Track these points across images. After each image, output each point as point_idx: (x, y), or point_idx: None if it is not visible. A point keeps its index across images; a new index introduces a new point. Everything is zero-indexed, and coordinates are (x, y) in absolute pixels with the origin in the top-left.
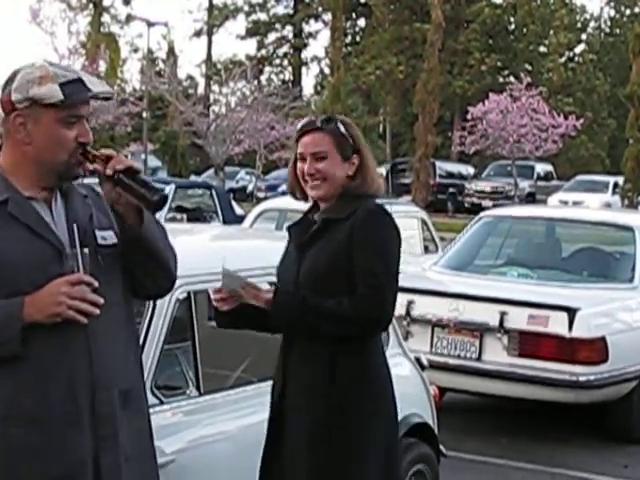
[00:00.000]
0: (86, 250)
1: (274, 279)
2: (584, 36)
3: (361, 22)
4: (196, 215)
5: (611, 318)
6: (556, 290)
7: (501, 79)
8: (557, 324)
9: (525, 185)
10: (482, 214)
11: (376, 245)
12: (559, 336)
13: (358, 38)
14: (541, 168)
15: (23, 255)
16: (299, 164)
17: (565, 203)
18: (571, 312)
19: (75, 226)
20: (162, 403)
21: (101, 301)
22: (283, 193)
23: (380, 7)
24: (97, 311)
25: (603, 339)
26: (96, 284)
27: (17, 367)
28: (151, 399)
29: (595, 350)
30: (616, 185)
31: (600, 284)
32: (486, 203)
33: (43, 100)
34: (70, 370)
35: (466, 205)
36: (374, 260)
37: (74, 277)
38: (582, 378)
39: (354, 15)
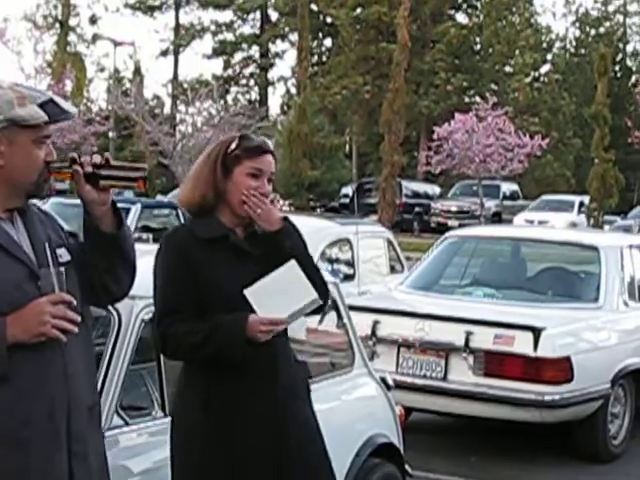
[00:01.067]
0: (62, 269)
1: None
2: (550, 56)
3: (327, 42)
4: (162, 235)
5: (576, 338)
6: (521, 310)
7: (467, 99)
8: (522, 344)
9: (491, 205)
10: (447, 234)
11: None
12: (524, 356)
13: (324, 58)
14: (507, 187)
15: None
16: (248, 180)
17: (531, 222)
18: (536, 332)
19: (47, 245)
20: (127, 424)
21: (79, 319)
22: None
23: (346, 27)
24: (76, 329)
25: (568, 359)
26: (75, 302)
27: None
28: (116, 420)
29: (560, 370)
30: (582, 204)
31: (565, 304)
32: (452, 223)
33: (27, 121)
34: (51, 388)
35: (432, 225)
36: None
37: (55, 296)
38: (547, 397)
39: (320, 35)
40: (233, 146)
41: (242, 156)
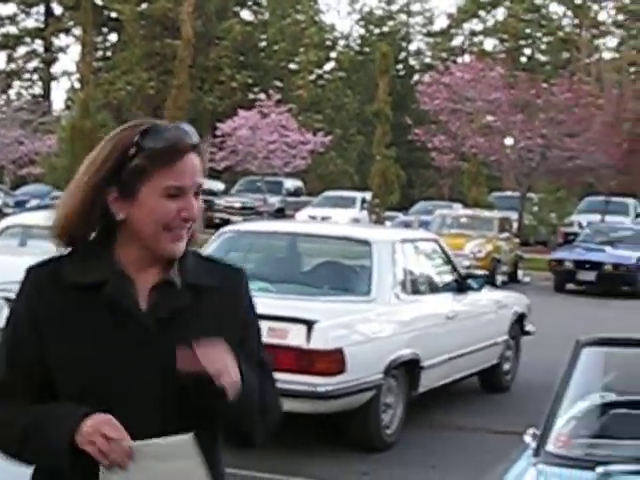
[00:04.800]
0: None
1: (11, 295)
2: (334, 54)
3: (113, 37)
4: None
5: (349, 330)
6: (295, 303)
7: (252, 96)
8: (296, 336)
9: (275, 201)
10: (222, 229)
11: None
12: (298, 348)
13: (109, 53)
14: (291, 184)
15: None
16: (165, 203)
17: (314, 218)
18: (309, 324)
19: None
20: None
21: None
22: (33, 208)
23: (131, 22)
24: None
25: (340, 350)
26: None
27: None
28: None
29: (332, 361)
30: (364, 200)
31: (339, 297)
32: (236, 219)
33: None
34: None
35: (216, 221)
36: (261, 342)
37: None
38: (320, 389)
39: (105, 30)
40: (132, 150)
41: (149, 167)
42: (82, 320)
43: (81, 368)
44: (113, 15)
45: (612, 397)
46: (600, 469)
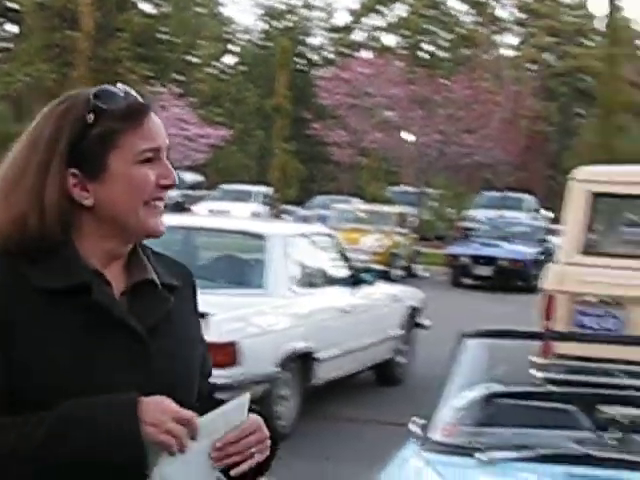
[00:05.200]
0: None
1: None
2: (237, 48)
3: (14, 28)
4: None
5: (243, 323)
6: None
7: (151, 88)
8: None
9: (174, 194)
10: None
11: None
12: None
13: (8, 45)
14: (190, 178)
15: None
16: (141, 170)
17: (212, 212)
18: (203, 317)
19: None
20: None
21: None
22: None
23: (30, 14)
24: None
25: (233, 343)
26: None
27: None
28: None
29: (226, 354)
30: (265, 195)
31: (234, 290)
32: None
33: None
34: None
35: None
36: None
37: None
38: (211, 381)
39: (4, 21)
40: (91, 116)
41: (117, 132)
42: (50, 322)
43: (51, 373)
44: (12, 6)
45: (496, 388)
46: (482, 456)
